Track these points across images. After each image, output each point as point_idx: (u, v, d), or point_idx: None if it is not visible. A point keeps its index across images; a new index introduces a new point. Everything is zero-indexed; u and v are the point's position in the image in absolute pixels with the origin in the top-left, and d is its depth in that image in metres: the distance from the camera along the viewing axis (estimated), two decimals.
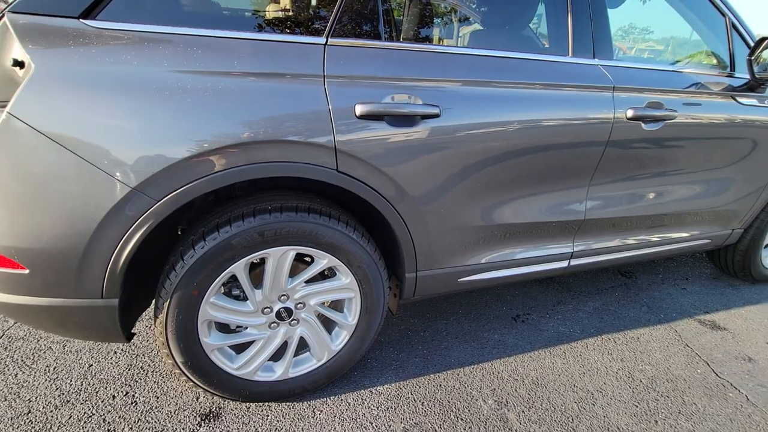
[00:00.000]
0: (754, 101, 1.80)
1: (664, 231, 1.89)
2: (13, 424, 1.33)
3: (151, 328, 1.78)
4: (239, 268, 1.21)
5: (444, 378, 1.60)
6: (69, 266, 1.05)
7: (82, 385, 1.48)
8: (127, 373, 1.55)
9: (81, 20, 1.00)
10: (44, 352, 1.62)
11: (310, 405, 1.46)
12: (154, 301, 1.26)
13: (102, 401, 1.42)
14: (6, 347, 1.64)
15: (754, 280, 2.40)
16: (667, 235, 1.92)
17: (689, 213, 1.90)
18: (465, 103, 1.27)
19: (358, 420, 1.41)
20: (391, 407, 1.47)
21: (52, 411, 1.38)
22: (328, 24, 1.17)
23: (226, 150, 1.05)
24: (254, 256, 1.21)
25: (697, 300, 2.24)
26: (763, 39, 1.69)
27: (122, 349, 1.65)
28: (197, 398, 1.46)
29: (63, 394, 1.44)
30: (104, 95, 0.98)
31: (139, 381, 1.51)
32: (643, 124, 1.55)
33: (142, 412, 1.39)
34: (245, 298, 1.30)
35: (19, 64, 0.97)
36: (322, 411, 1.44)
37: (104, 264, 1.07)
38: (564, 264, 1.72)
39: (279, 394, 1.43)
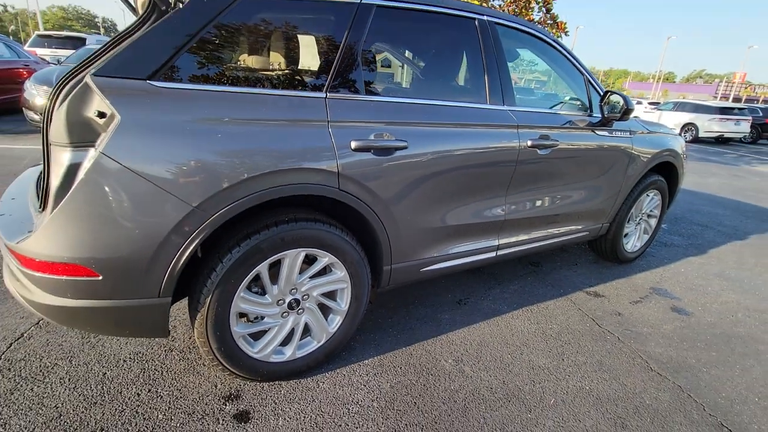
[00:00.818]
0: (605, 133, 2.59)
1: (558, 226, 2.58)
2: (48, 426, 1.49)
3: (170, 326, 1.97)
4: (264, 268, 1.55)
5: (413, 349, 2.05)
6: (136, 271, 1.32)
7: (103, 389, 1.66)
8: (144, 375, 1.75)
9: (148, 81, 1.32)
10: (52, 368, 1.75)
11: (314, 379, 1.80)
12: (189, 299, 1.54)
13: (129, 399, 1.62)
14: (9, 368, 1.73)
15: (619, 261, 3.24)
16: (561, 230, 2.61)
17: (573, 212, 2.61)
18: (424, 139, 1.78)
19: (353, 385, 1.79)
20: (377, 373, 1.87)
21: (83, 411, 1.55)
22: (326, 83, 1.61)
23: (262, 176, 1.41)
24: (276, 257, 1.56)
25: (584, 278, 2.99)
26: (608, 92, 2.49)
27: (130, 358, 1.84)
28: (215, 386, 1.72)
29: (88, 398, 1.61)
30: (170, 137, 1.30)
31: (157, 380, 1.73)
32: (538, 150, 2.20)
33: (169, 402, 1.63)
34: (264, 293, 1.63)
35: (102, 114, 1.25)
36: (324, 382, 1.79)
37: (165, 268, 1.35)
38: (493, 254, 2.29)
39: (289, 372, 1.76)
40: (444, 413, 1.68)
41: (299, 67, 1.67)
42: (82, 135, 1.27)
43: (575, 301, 2.64)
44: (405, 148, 1.71)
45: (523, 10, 7.54)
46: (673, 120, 16.10)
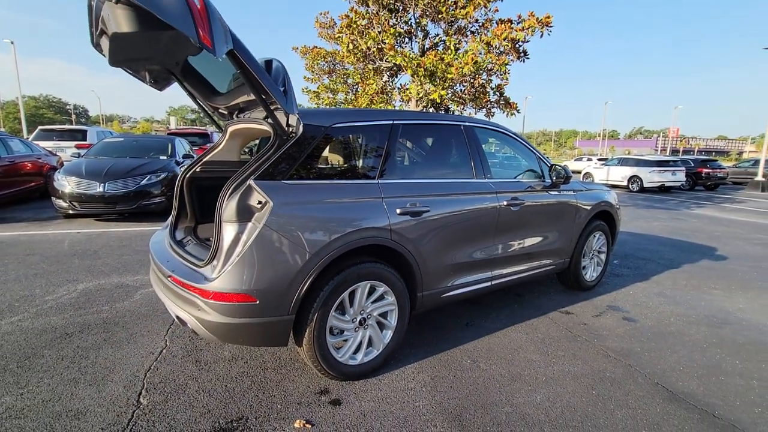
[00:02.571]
0: (556, 192, 3.62)
1: (532, 261, 3.49)
2: (204, 416, 2.13)
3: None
4: (346, 294, 2.34)
5: (440, 355, 2.80)
6: (279, 296, 2.10)
7: (230, 395, 2.32)
8: (254, 385, 2.42)
9: (282, 181, 2.19)
10: (185, 385, 2.40)
11: (377, 378, 2.52)
12: (297, 318, 2.28)
13: (252, 398, 2.29)
14: (156, 387, 2.37)
15: (582, 288, 4.14)
16: (534, 264, 3.51)
17: (542, 251, 3.54)
18: (439, 204, 2.70)
19: (405, 379, 2.51)
20: (419, 371, 2.60)
21: (223, 408, 2.21)
22: (377, 173, 2.53)
23: (349, 233, 2.26)
24: (353, 287, 2.36)
25: (557, 302, 3.85)
26: (553, 164, 3.56)
27: (239, 376, 2.50)
28: (308, 387, 2.41)
29: (222, 400, 2.27)
30: (297, 212, 2.16)
31: (265, 387, 2.40)
32: (512, 207, 3.16)
33: (282, 398, 2.30)
34: (344, 313, 2.40)
35: (260, 202, 2.10)
36: (384, 378, 2.51)
37: (295, 293, 2.13)
38: (489, 284, 3.14)
39: (360, 373, 2.48)
40: (472, 391, 2.42)
41: (362, 164, 2.60)
42: (245, 215, 2.11)
43: (552, 318, 3.48)
44: (428, 211, 2.62)
45: (480, 95, 9.12)
46: (620, 173, 18.21)
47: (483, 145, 3.20)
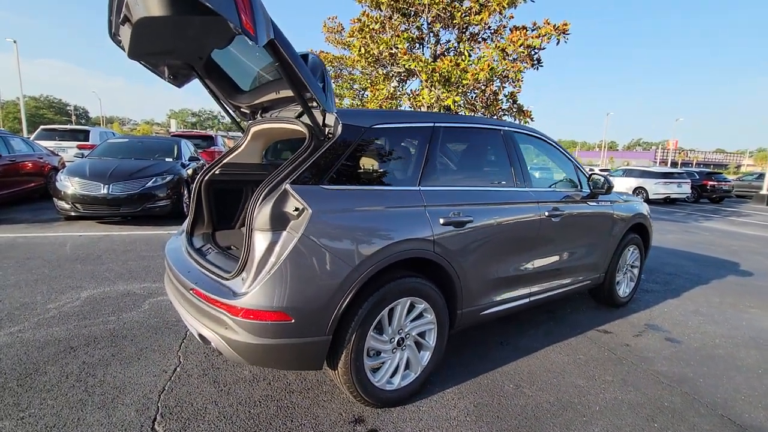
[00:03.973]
0: (594, 203, 3.42)
1: (571, 276, 3.27)
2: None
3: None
4: (385, 312, 2.12)
5: (480, 379, 2.57)
6: (316, 315, 1.87)
7: (256, 422, 2.09)
8: (281, 412, 2.18)
9: (321, 186, 1.98)
10: (205, 410, 2.16)
11: (414, 404, 2.28)
12: (334, 339, 2.06)
13: (280, 427, 2.05)
14: (172, 413, 2.13)
15: (615, 305, 3.92)
16: (570, 279, 3.30)
17: (579, 265, 3.33)
18: (481, 214, 2.49)
19: (446, 406, 2.28)
20: (460, 397, 2.37)
21: None
22: (419, 179, 2.32)
23: (392, 245, 2.05)
24: (393, 305, 2.14)
25: (591, 320, 3.63)
26: (591, 174, 3.35)
27: (263, 400, 2.27)
28: (341, 414, 2.17)
29: (247, 428, 2.03)
30: (338, 221, 1.94)
31: (293, 414, 2.16)
32: (552, 218, 2.95)
33: (312, 427, 2.06)
34: (382, 333, 2.17)
35: (297, 209, 1.88)
36: (423, 405, 2.28)
37: (333, 311, 1.91)
38: (527, 300, 2.92)
39: (396, 399, 2.24)
40: (522, 422, 2.19)
41: (402, 169, 2.39)
42: (279, 223, 1.89)
43: (591, 338, 3.26)
44: (472, 221, 2.41)
45: (493, 102, 8.96)
46: (624, 185, 18.07)
47: (522, 151, 3.00)
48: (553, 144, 3.33)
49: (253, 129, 2.89)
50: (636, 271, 4.11)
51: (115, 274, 4.23)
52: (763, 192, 21.04)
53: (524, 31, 8.37)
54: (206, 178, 2.89)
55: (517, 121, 9.06)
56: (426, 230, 2.19)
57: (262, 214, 1.88)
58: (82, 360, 2.58)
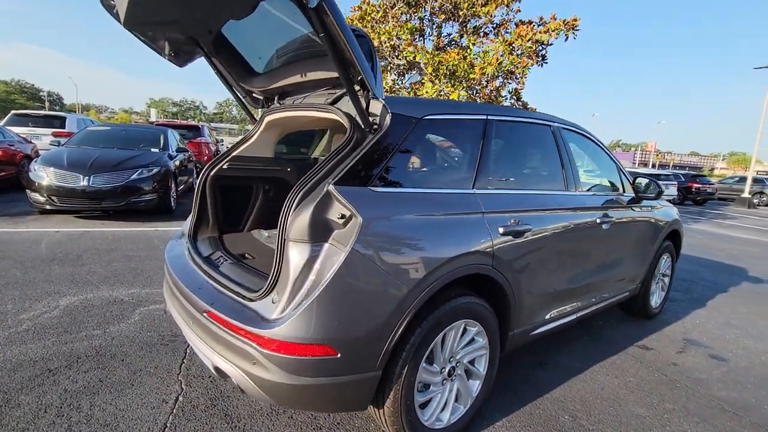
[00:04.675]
0: (638, 208, 3.15)
1: (614, 288, 2.99)
2: None
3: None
4: (439, 339, 1.78)
5: (530, 409, 2.26)
6: (366, 347, 1.52)
7: None
8: None
9: (368, 187, 1.62)
10: None
11: None
12: (384, 372, 1.71)
13: None
14: None
15: (647, 316, 3.68)
16: (615, 290, 3.02)
17: (624, 276, 3.06)
18: (538, 222, 2.17)
19: None
20: (512, 428, 2.06)
21: None
22: (472, 180, 1.99)
23: (452, 260, 1.71)
24: (446, 330, 1.80)
25: (627, 334, 3.37)
26: (636, 176, 3.08)
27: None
28: None
29: None
30: (391, 231, 1.59)
31: None
32: (603, 225, 2.66)
33: None
34: (432, 362, 1.83)
35: (343, 216, 1.52)
36: None
37: (385, 342, 1.56)
38: (575, 316, 2.63)
39: None
40: None
41: (456, 169, 2.04)
42: (320, 234, 1.53)
43: (633, 355, 2.99)
44: (529, 230, 2.08)
45: (496, 99, 8.69)
46: None
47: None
48: (597, 142, 3.04)
49: (268, 118, 2.51)
50: (667, 280, 3.88)
51: (99, 278, 3.77)
52: (745, 195, 21.51)
53: (531, 25, 8.11)
54: (212, 173, 2.49)
55: None
56: (486, 241, 1.86)
57: (299, 221, 1.51)
58: (64, 387, 2.17)
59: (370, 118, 1.76)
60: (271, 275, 1.57)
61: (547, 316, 2.39)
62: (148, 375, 2.33)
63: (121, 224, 5.93)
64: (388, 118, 1.75)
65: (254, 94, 2.60)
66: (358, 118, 1.76)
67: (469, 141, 2.07)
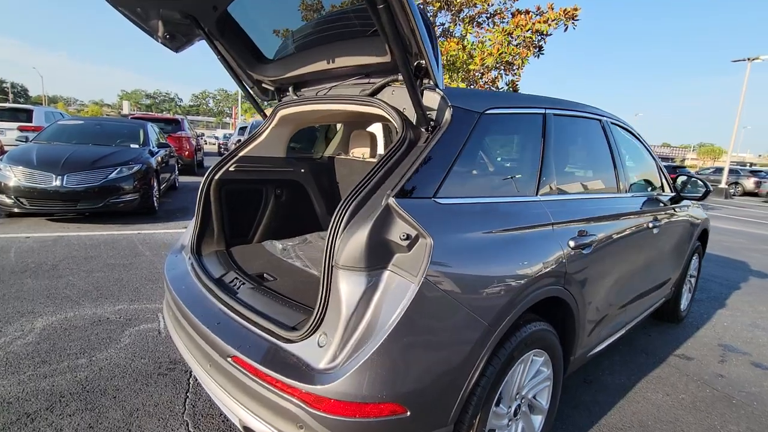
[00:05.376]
0: (678, 207, 2.93)
1: (656, 294, 2.78)
2: None
3: None
4: (508, 377, 1.50)
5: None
6: (438, 399, 1.22)
7: None
8: None
9: (433, 199, 1.31)
10: None
11: None
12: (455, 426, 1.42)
13: None
14: None
15: (676, 321, 3.51)
16: (657, 297, 2.81)
17: (665, 280, 2.85)
18: (601, 230, 1.91)
19: None
20: None
21: None
22: (535, 186, 1.70)
23: (529, 283, 1.42)
24: (516, 365, 1.52)
25: (662, 342, 3.18)
26: (679, 174, 2.86)
27: None
28: None
29: None
30: (465, 254, 1.29)
31: None
32: (653, 229, 2.43)
33: None
34: (499, 403, 1.55)
35: (408, 237, 1.21)
36: None
37: (459, 391, 1.26)
38: (623, 331, 2.39)
39: None
40: None
41: (518, 173, 1.75)
42: (379, 259, 1.22)
43: (677, 367, 2.79)
44: (595, 241, 1.82)
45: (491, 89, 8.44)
46: None
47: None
48: (638, 135, 2.80)
49: (282, 112, 2.16)
50: (693, 281, 3.71)
51: (79, 292, 3.35)
52: (722, 186, 22.07)
53: (529, 15, 7.87)
54: (217, 176, 2.14)
55: None
56: (559, 258, 1.59)
57: (353, 244, 1.20)
58: None
59: (427, 113, 1.44)
60: (316, 310, 1.25)
61: (604, 333, 2.15)
62: (147, 416, 1.98)
63: (100, 227, 5.45)
64: (448, 113, 1.44)
65: (264, 84, 2.25)
66: (408, 113, 1.45)
67: (530, 139, 1.78)
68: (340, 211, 1.25)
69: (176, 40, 2.06)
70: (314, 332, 1.26)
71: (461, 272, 1.26)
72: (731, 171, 23.10)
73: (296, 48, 1.99)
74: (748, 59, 21.90)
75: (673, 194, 2.89)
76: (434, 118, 1.44)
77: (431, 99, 1.46)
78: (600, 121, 2.28)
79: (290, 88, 2.18)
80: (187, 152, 11.14)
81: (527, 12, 7.99)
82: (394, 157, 1.36)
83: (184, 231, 2.32)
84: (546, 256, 1.53)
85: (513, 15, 8.02)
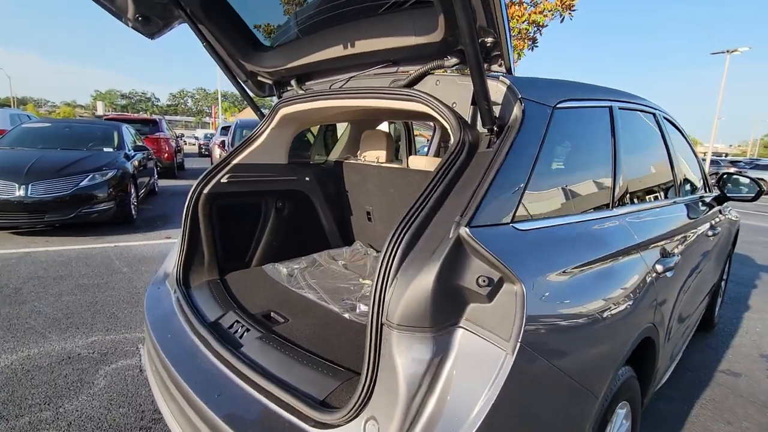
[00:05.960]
0: (721, 210, 2.66)
1: (703, 304, 2.49)
2: None
3: None
4: None
5: None
6: None
7: None
8: None
9: (512, 225, 0.97)
10: None
11: None
12: None
13: None
14: None
15: (710, 327, 3.26)
16: (703, 306, 2.53)
17: (709, 289, 2.57)
18: (676, 247, 1.60)
19: None
20: None
21: None
22: (611, 196, 1.37)
23: (630, 329, 1.10)
24: (608, 427, 1.19)
25: (702, 356, 2.92)
26: (725, 173, 2.59)
27: None
28: None
29: None
30: (563, 301, 0.95)
31: None
32: (711, 237, 2.15)
33: None
34: None
35: (488, 283, 0.87)
36: None
37: None
38: (681, 354, 2.10)
39: None
40: None
41: (593, 183, 1.41)
42: (449, 313, 0.87)
43: (727, 386, 2.53)
44: (677, 260, 1.51)
45: None
46: None
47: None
48: (682, 130, 2.51)
49: (284, 111, 1.79)
50: (723, 284, 3.48)
51: (45, 321, 2.91)
52: None
53: (523, 6, 7.61)
54: (206, 189, 1.75)
55: None
56: (651, 290, 1.27)
57: (412, 293, 0.85)
58: None
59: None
60: (361, 385, 0.90)
61: (669, 362, 1.85)
62: None
63: (71, 240, 4.95)
64: (517, 108, 1.10)
65: (261, 77, 1.87)
66: (460, 109, 1.10)
67: (600, 140, 1.45)
68: (391, 246, 0.89)
69: (151, 24, 1.67)
70: (358, 414, 0.90)
71: (560, 327, 0.92)
72: (712, 162, 23.48)
73: (302, 31, 1.62)
74: (727, 51, 22.28)
75: (717, 194, 2.61)
76: (498, 114, 1.10)
77: (494, 90, 1.12)
78: (655, 115, 1.97)
79: (293, 81, 1.81)
80: (166, 154, 10.57)
81: (521, 3, 7.73)
82: (453, 168, 1.01)
83: (166, 241, 1.93)
84: (641, 290, 1.21)
85: (507, 6, 7.76)
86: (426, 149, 4.29)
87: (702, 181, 2.62)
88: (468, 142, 1.07)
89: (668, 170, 1.95)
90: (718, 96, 23.00)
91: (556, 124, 1.19)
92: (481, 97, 1.02)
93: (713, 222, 2.28)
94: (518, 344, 0.82)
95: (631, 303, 1.14)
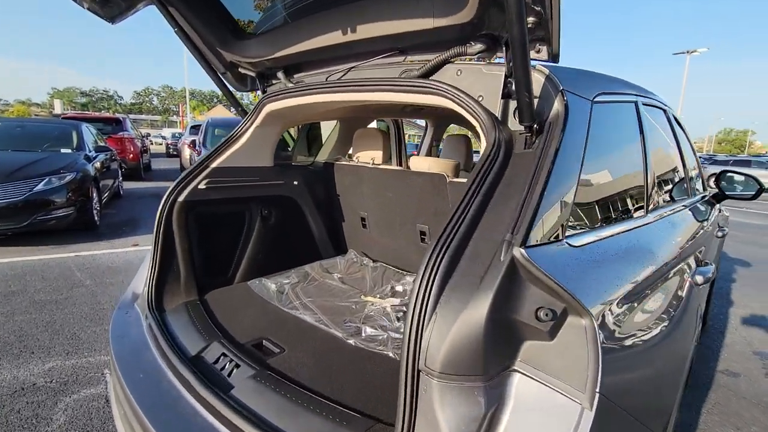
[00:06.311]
0: (718, 209, 2.62)
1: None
2: None
3: None
4: None
5: None
6: None
7: None
8: None
9: (567, 242, 0.81)
10: None
11: None
12: None
13: None
14: None
15: (704, 324, 3.25)
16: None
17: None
18: (705, 248, 1.49)
19: None
20: None
21: None
22: (645, 200, 1.24)
23: (685, 359, 0.96)
24: None
25: (702, 356, 2.88)
26: (724, 170, 2.55)
27: None
28: None
29: None
30: (621, 336, 0.79)
31: None
32: (718, 238, 2.07)
33: None
34: None
35: (552, 315, 0.70)
36: None
37: None
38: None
39: None
40: None
41: (627, 188, 1.27)
42: (503, 355, 0.70)
43: (728, 387, 2.49)
44: (714, 268, 1.39)
45: None
46: None
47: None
48: (683, 126, 2.43)
49: (270, 107, 1.58)
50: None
51: None
52: None
53: None
54: (181, 197, 1.52)
55: None
56: (698, 305, 1.14)
57: (458, 333, 0.67)
58: None
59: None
60: None
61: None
62: None
63: (26, 251, 4.52)
64: (558, 102, 0.94)
65: (242, 69, 1.65)
66: (487, 103, 0.93)
67: (631, 137, 1.32)
68: (427, 273, 0.71)
69: (111, 5, 1.42)
70: None
71: (632, 364, 0.77)
72: None
73: (291, 15, 1.41)
74: (687, 52, 23.26)
75: (716, 192, 2.56)
76: (541, 111, 0.94)
77: (535, 78, 0.96)
78: (665, 111, 1.87)
79: (280, 73, 1.60)
80: (131, 155, 10.00)
81: None
82: (490, 173, 0.85)
83: (134, 249, 1.68)
84: (691, 309, 1.08)
85: None
86: (416, 149, 4.12)
87: (701, 177, 2.57)
88: (504, 142, 0.90)
89: (682, 169, 1.85)
90: (683, 95, 23.97)
91: (595, 120, 1.04)
92: (522, 89, 0.85)
93: (720, 222, 2.22)
94: (597, 394, 0.66)
95: (686, 322, 1.01)
